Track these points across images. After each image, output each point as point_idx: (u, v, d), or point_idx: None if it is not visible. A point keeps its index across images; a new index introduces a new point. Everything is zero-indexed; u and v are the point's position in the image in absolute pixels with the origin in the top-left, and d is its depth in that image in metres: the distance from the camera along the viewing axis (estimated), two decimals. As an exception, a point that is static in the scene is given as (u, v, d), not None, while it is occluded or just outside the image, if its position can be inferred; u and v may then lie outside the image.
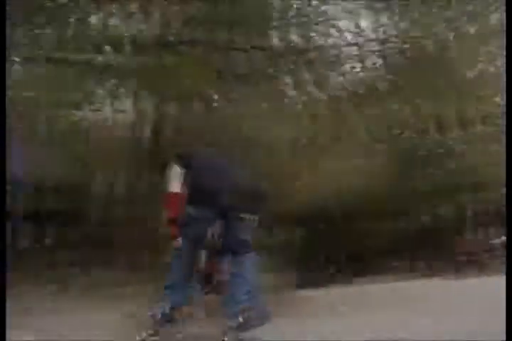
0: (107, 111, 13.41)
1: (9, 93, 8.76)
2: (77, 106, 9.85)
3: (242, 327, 3.95)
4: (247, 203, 3.97)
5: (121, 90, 9.18)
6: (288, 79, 8.34)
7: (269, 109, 10.07)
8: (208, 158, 4.29)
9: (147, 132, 7.67)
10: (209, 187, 3.95)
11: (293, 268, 9.56)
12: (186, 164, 4.13)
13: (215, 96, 9.29)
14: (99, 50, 7.85)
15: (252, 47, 7.72)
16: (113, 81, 8.75)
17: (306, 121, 8.78)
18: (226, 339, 3.93)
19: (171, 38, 6.92)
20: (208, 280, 4.45)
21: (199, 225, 4.00)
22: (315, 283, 9.97)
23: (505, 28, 5.91)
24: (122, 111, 12.96)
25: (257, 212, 4.07)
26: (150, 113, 7.64)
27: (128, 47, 7.19)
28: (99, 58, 8.26)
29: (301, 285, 8.91)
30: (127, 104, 12.39)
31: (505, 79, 5.56)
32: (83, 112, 13.07)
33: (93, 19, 7.76)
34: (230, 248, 4.14)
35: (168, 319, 4.12)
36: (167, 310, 4.09)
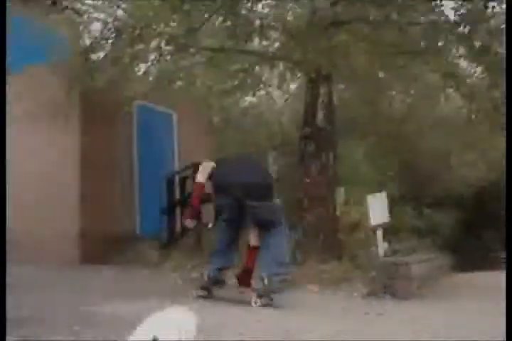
0: (278, 95, 13.86)
1: (180, 83, 9.33)
2: (248, 92, 10.24)
3: (267, 291, 4.59)
4: (256, 193, 4.73)
5: (290, 74, 9.36)
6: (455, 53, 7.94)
7: (436, 84, 9.72)
8: (232, 160, 5.36)
9: (319, 115, 7.65)
10: (226, 182, 4.82)
11: (451, 250, 9.23)
12: (216, 162, 5.11)
13: (383, 74, 9.17)
14: (265, 36, 7.96)
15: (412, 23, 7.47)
16: (282, 66, 8.91)
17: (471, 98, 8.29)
18: (254, 300, 4.61)
19: (340, 17, 6.83)
20: (246, 277, 5.07)
21: (224, 209, 4.89)
22: (474, 266, 9.56)
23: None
24: (291, 95, 13.32)
25: (266, 200, 4.79)
26: (321, 95, 7.62)
27: (295, 31, 7.20)
28: (267, 44, 8.41)
29: (459, 268, 8.57)
30: (296, 87, 12.70)
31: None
32: (254, 98, 13.65)
33: (259, 6, 7.88)
34: (257, 226, 4.91)
35: (216, 280, 4.95)
36: (214, 272, 4.92)
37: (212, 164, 5.06)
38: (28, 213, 8.24)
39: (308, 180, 7.47)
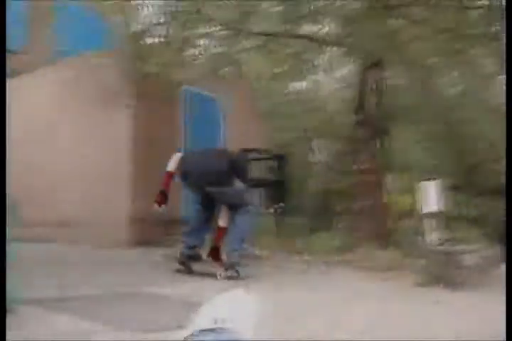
0: (327, 81, 13.71)
1: (230, 68, 9.34)
2: (297, 77, 10.19)
3: (231, 265, 5.22)
4: (215, 181, 5.30)
5: (342, 60, 9.25)
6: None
7: (491, 70, 9.45)
8: (197, 152, 5.90)
9: (370, 102, 7.55)
10: (188, 171, 5.45)
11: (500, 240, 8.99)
12: (184, 153, 5.71)
13: (437, 60, 8.96)
14: (318, 21, 7.87)
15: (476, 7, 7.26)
16: (334, 51, 8.82)
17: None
18: (219, 273, 5.21)
19: (395, 1, 6.68)
20: (215, 254, 5.55)
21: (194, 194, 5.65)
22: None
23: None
24: (342, 81, 13.16)
25: (225, 186, 5.32)
26: (372, 81, 7.51)
27: (349, 16, 7.09)
28: (319, 29, 8.32)
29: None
30: (346, 73, 12.54)
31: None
32: (303, 83, 13.55)
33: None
34: (226, 207, 5.48)
35: (190, 256, 5.52)
36: (187, 250, 5.52)
37: (180, 155, 5.64)
38: (84, 197, 8.44)
39: (358, 167, 7.42)
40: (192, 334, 1.37)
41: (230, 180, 5.38)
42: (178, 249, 5.69)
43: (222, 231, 5.55)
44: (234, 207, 5.42)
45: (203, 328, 1.39)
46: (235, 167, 5.44)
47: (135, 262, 5.94)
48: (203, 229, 5.64)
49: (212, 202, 5.51)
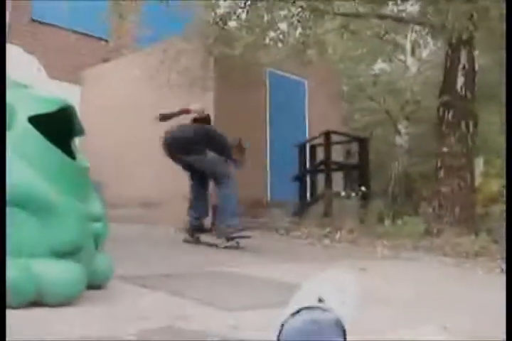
0: (411, 61, 13.41)
1: (313, 50, 9.26)
2: (380, 59, 10.04)
3: (225, 235, 5.63)
4: (186, 148, 5.61)
5: (424, 40, 9.01)
6: None
7: None
8: (177, 127, 5.98)
9: (457, 82, 7.31)
10: (168, 143, 5.80)
11: None
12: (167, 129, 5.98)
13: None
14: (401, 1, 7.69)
15: None
16: (417, 31, 8.59)
17: None
18: (220, 243, 5.67)
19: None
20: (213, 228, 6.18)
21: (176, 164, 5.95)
22: None
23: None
24: (427, 62, 12.84)
25: (198, 154, 5.61)
26: (461, 61, 7.26)
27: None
28: (404, 8, 8.13)
29: None
30: (429, 54, 12.21)
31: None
32: (387, 64, 13.32)
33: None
34: (210, 179, 5.90)
35: (197, 227, 5.98)
36: (194, 221, 5.95)
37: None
38: (164, 178, 8.64)
39: (446, 150, 7.23)
40: (296, 312, 1.39)
41: (203, 150, 5.68)
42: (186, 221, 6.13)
43: (213, 208, 6.29)
44: (215, 179, 5.75)
45: (306, 306, 1.40)
46: (211, 140, 5.76)
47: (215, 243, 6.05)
48: (200, 202, 6.01)
49: (203, 177, 5.89)
